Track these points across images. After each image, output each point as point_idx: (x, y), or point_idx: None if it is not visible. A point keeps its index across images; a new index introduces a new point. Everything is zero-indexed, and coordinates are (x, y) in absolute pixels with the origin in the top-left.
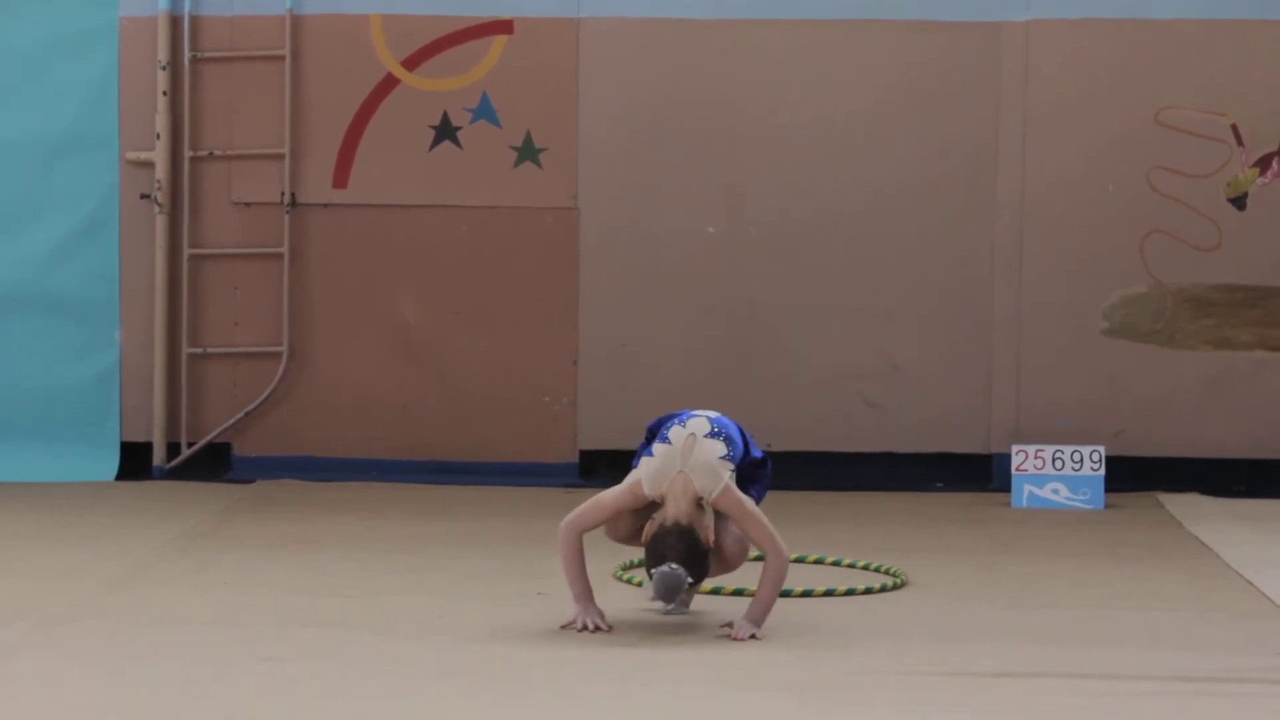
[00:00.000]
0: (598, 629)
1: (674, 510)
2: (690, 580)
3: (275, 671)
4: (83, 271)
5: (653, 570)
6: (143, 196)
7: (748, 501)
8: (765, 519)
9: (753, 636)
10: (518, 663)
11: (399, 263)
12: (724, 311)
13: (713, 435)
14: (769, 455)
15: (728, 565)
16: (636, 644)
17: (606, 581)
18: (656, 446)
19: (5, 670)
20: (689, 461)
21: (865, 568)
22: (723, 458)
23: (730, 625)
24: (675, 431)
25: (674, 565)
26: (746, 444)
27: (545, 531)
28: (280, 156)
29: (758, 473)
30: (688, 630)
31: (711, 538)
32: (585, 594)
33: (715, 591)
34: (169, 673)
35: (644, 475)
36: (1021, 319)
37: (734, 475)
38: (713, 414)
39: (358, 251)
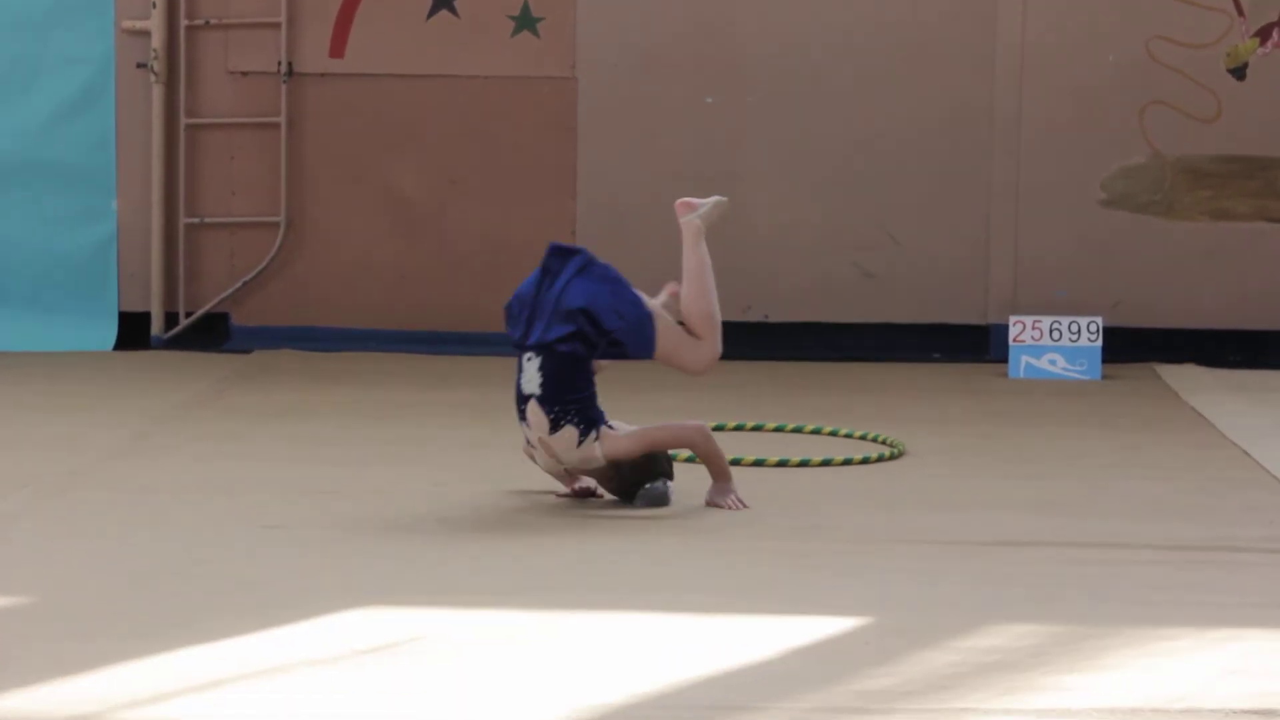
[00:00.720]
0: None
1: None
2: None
3: (274, 539)
4: (79, 141)
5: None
6: (139, 65)
7: (627, 434)
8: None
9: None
10: (515, 527)
11: (396, 133)
12: (721, 181)
13: (554, 430)
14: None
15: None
16: (644, 512)
17: None
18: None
19: (5, 539)
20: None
21: (862, 438)
22: (580, 439)
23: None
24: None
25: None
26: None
27: None
28: (277, 25)
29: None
30: (686, 503)
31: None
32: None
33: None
34: (168, 541)
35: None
36: (1020, 190)
37: (597, 431)
38: (537, 383)
39: (355, 121)
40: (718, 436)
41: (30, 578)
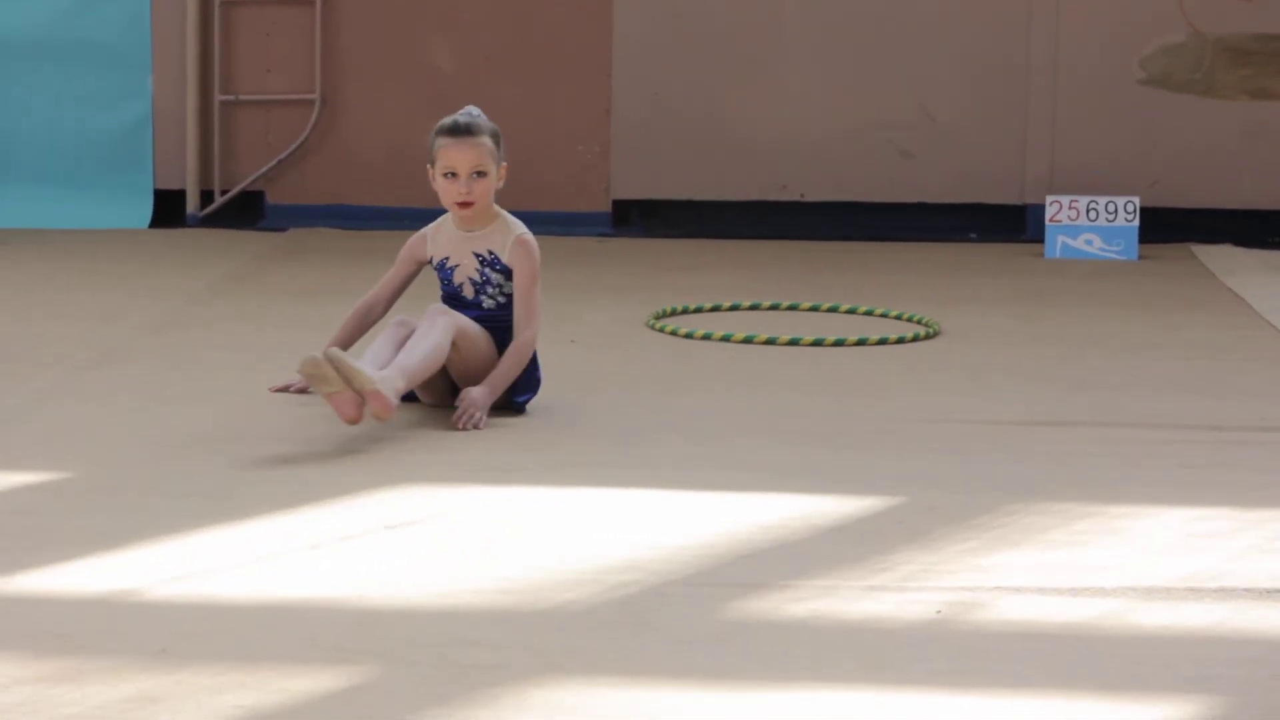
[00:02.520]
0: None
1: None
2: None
3: (309, 416)
4: (114, 18)
5: None
6: None
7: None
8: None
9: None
10: (551, 405)
11: (431, 9)
12: (758, 61)
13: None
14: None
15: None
16: (671, 392)
17: (640, 331)
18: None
19: (41, 415)
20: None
21: (898, 317)
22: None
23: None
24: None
25: None
26: None
27: (578, 280)
28: None
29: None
30: (719, 386)
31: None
32: None
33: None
34: (203, 414)
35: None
36: (1058, 69)
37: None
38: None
39: None
40: (752, 316)
41: (66, 453)
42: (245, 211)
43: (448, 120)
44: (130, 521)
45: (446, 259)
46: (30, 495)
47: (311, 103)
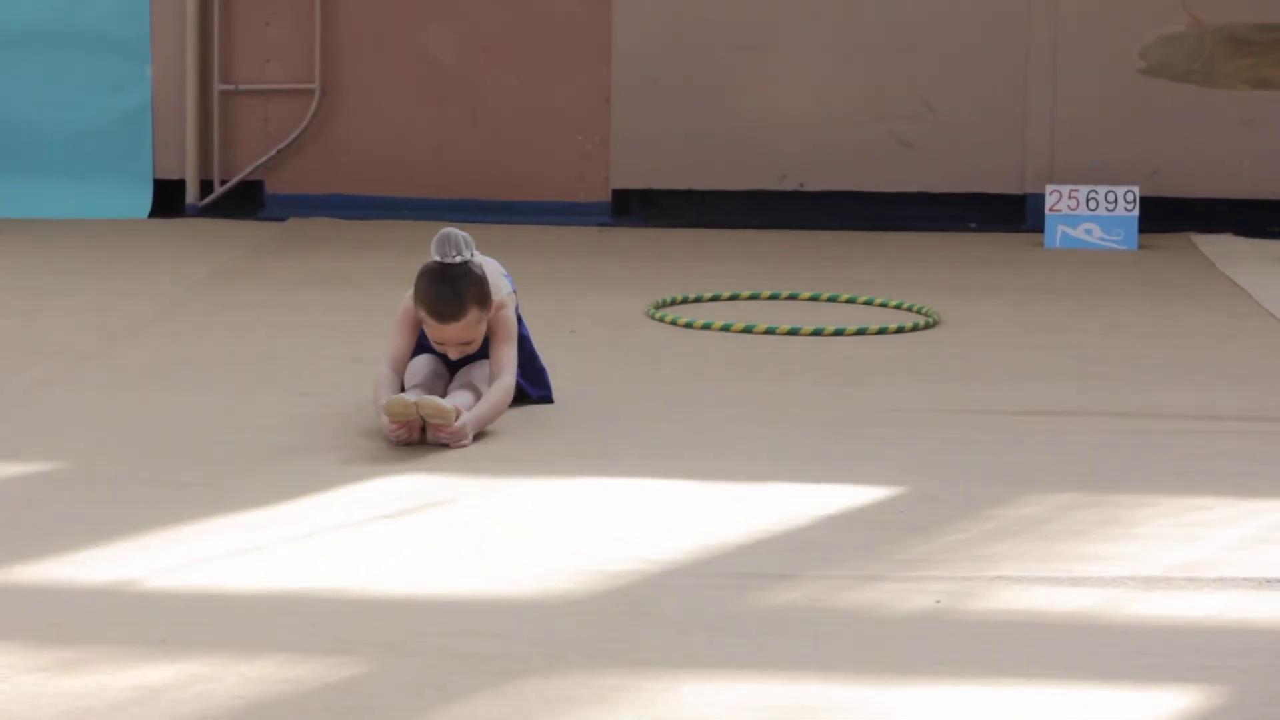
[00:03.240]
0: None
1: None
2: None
3: (308, 406)
4: (113, 7)
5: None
6: None
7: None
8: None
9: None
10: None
11: None
12: (757, 49)
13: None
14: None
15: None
16: (679, 381)
17: (640, 320)
18: None
19: (41, 405)
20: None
21: (897, 307)
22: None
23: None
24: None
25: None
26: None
27: (578, 270)
28: None
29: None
30: (722, 375)
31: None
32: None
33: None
34: (203, 407)
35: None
36: (1057, 58)
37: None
38: None
39: None
40: (752, 306)
41: (65, 442)
42: (245, 201)
43: (429, 294)
44: (130, 511)
45: (441, 342)
46: (29, 485)
47: (311, 92)
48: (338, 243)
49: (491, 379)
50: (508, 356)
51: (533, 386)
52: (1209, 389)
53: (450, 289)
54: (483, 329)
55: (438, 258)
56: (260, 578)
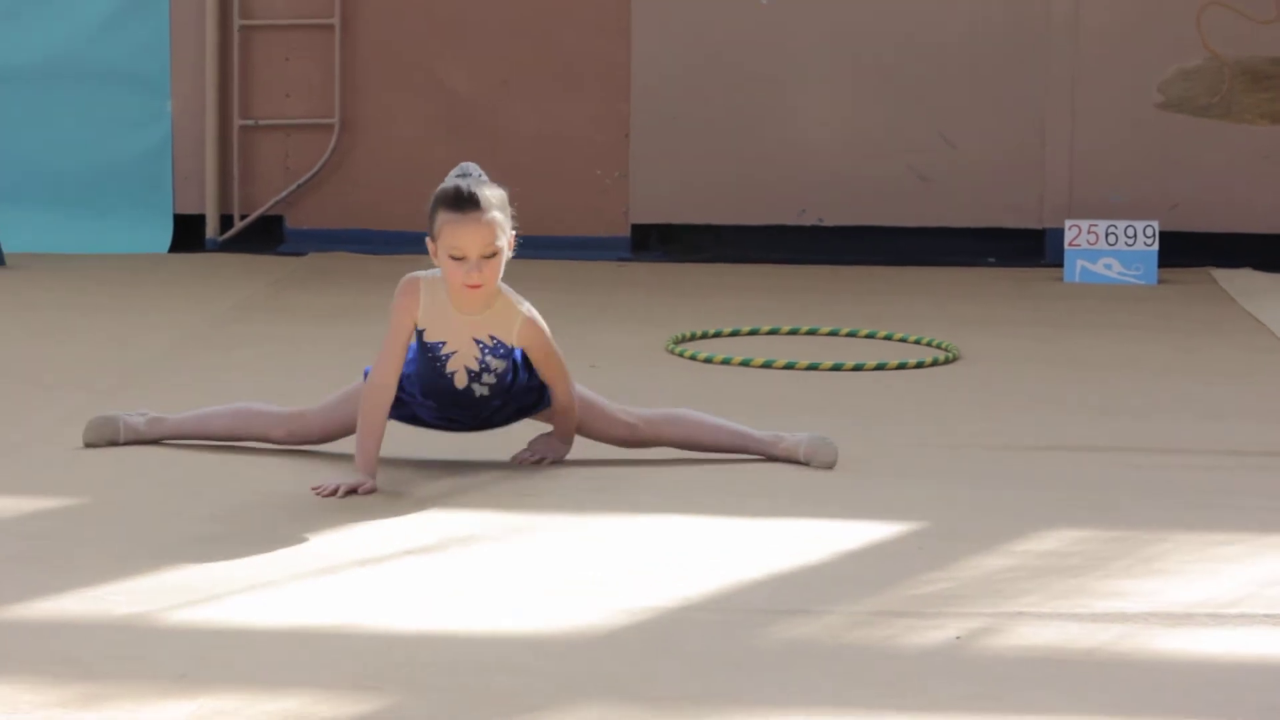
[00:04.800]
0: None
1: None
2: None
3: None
4: (133, 42)
5: None
6: None
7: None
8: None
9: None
10: None
11: (449, 33)
12: (776, 83)
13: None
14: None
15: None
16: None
17: (659, 355)
18: None
19: (61, 440)
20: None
21: (916, 342)
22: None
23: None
24: None
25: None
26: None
27: (597, 305)
28: None
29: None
30: (740, 411)
31: None
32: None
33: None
34: (222, 441)
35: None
36: (1075, 93)
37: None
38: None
39: (408, 22)
40: (771, 341)
41: (86, 479)
42: (264, 236)
43: (449, 187)
44: (149, 546)
45: (442, 343)
46: (50, 519)
47: (331, 127)
48: (357, 277)
49: (555, 391)
50: (560, 362)
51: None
52: (1230, 424)
53: (469, 179)
54: (505, 246)
55: (455, 177)
56: (280, 613)
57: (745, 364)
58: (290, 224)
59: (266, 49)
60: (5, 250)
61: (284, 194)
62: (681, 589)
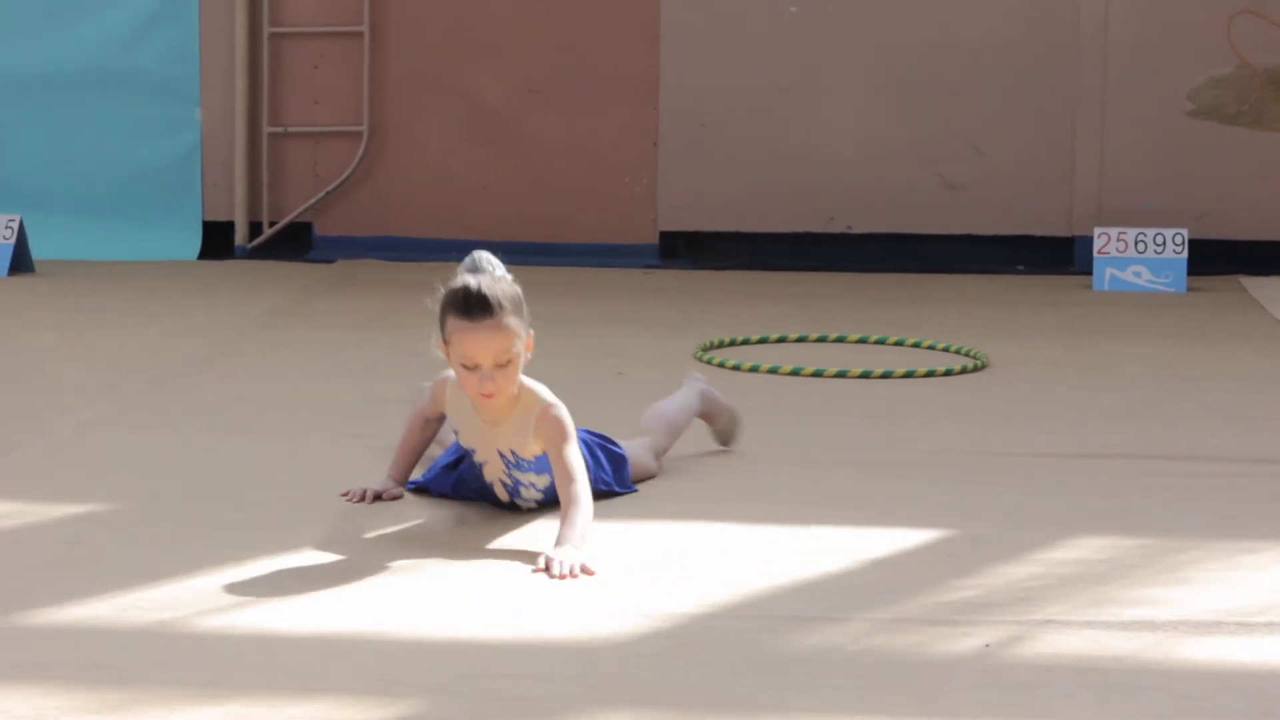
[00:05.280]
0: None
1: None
2: None
3: (354, 448)
4: (163, 50)
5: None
6: None
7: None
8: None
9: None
10: None
11: (478, 41)
12: (804, 91)
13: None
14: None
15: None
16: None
17: (688, 363)
18: None
19: (90, 446)
20: None
21: (945, 349)
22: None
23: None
24: None
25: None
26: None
27: (625, 312)
28: None
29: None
30: (768, 419)
31: None
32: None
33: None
34: (250, 448)
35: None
36: (1105, 101)
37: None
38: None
39: (437, 30)
40: (800, 348)
41: (115, 484)
42: (293, 243)
43: (458, 289)
44: (178, 553)
45: (474, 450)
46: (79, 526)
47: (359, 134)
48: (386, 284)
49: (561, 490)
50: (572, 458)
51: (618, 482)
52: (1259, 432)
53: (479, 277)
54: (520, 352)
55: (468, 274)
56: (308, 619)
57: (773, 371)
58: (319, 231)
59: (296, 57)
60: (35, 257)
61: (313, 201)
62: (707, 595)
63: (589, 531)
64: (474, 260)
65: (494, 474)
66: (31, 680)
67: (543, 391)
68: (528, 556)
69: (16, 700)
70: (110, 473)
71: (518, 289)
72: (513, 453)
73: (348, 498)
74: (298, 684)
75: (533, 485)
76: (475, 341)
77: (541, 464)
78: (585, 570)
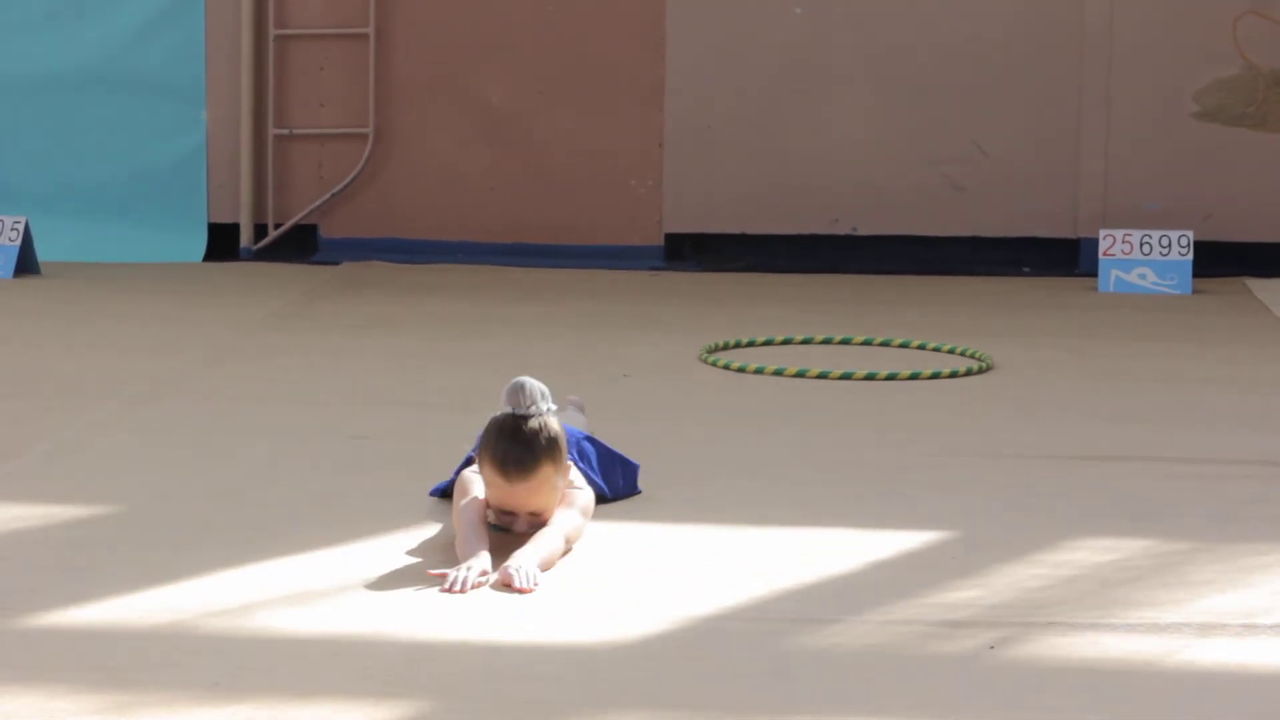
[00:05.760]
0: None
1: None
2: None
3: (360, 448)
4: (168, 52)
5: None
6: None
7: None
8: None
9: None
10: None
11: (484, 43)
12: (809, 93)
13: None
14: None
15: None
16: (723, 426)
17: (693, 364)
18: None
19: (93, 448)
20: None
21: (950, 351)
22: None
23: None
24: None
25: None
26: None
27: (630, 314)
28: None
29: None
30: (771, 421)
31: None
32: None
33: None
34: (255, 450)
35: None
36: (1110, 102)
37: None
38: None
39: (443, 32)
40: (805, 350)
41: (119, 487)
42: (299, 245)
43: (498, 444)
44: (183, 555)
45: (508, 509)
46: (84, 528)
47: (365, 136)
48: (391, 287)
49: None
50: (569, 517)
51: (631, 488)
52: (1264, 434)
53: (521, 441)
54: (557, 496)
55: (509, 409)
56: (312, 621)
57: (778, 373)
58: (324, 233)
59: (301, 58)
60: (40, 259)
61: (318, 203)
62: (713, 598)
63: (555, 560)
64: (516, 395)
65: (524, 525)
66: (36, 682)
67: (575, 478)
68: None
69: (22, 702)
70: (115, 475)
71: (557, 429)
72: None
73: (447, 588)
74: (303, 686)
75: None
76: (511, 498)
77: None
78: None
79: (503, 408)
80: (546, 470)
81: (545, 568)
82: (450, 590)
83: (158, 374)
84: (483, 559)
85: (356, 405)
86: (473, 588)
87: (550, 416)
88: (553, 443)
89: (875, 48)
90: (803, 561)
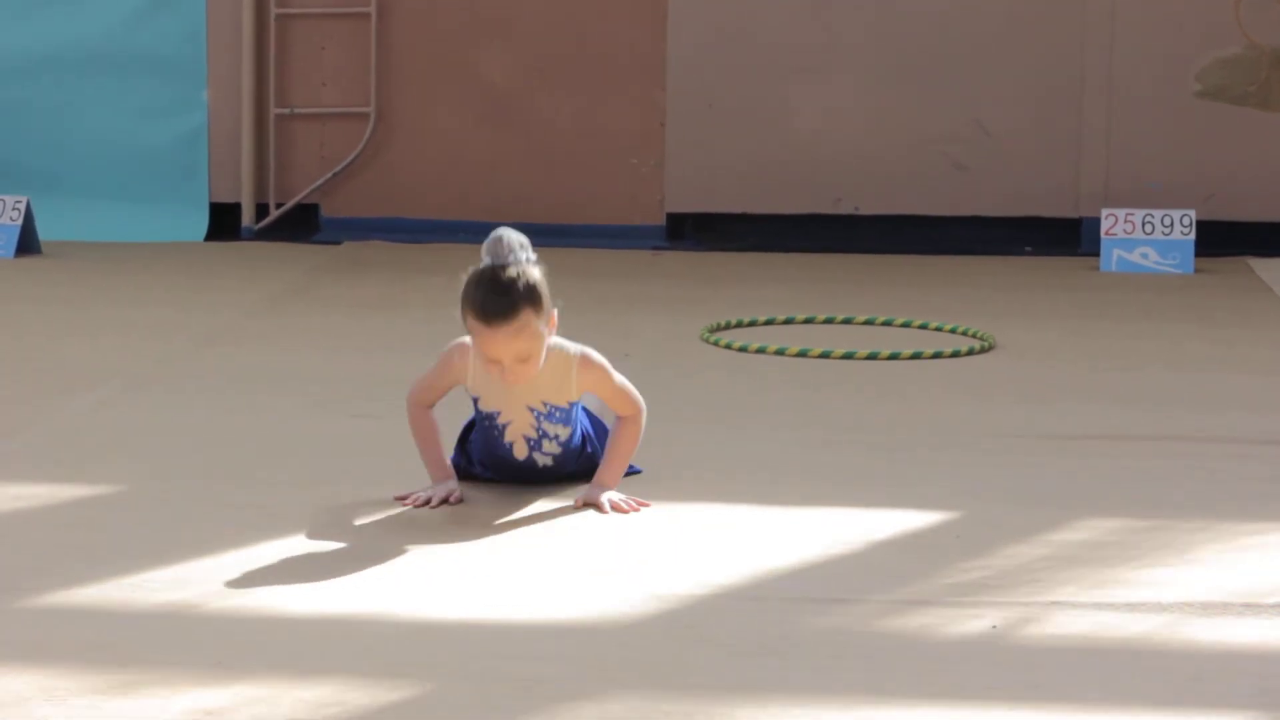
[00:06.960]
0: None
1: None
2: None
3: (362, 429)
4: (170, 30)
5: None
6: None
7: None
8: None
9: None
10: None
11: (486, 22)
12: (811, 72)
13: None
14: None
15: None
16: (725, 406)
17: (694, 344)
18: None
19: (97, 428)
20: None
21: (953, 331)
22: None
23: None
24: None
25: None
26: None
27: (632, 293)
28: None
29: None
30: (779, 400)
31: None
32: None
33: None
34: (257, 430)
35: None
36: (1112, 82)
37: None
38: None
39: (445, 11)
40: (807, 330)
41: (123, 466)
42: (300, 225)
43: (475, 286)
44: (185, 534)
45: (497, 413)
46: (87, 506)
47: (366, 116)
48: (392, 266)
49: (616, 424)
50: (622, 385)
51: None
52: (1266, 413)
53: (500, 288)
54: (541, 343)
55: (488, 260)
56: (315, 601)
57: (780, 353)
58: (325, 213)
59: (302, 38)
60: (42, 238)
61: (319, 183)
62: (715, 576)
63: (626, 464)
64: (495, 245)
65: (518, 431)
66: (39, 661)
67: (568, 345)
68: (534, 537)
69: (24, 680)
70: (117, 454)
71: (537, 274)
72: (544, 403)
73: (408, 502)
74: (305, 665)
75: (556, 438)
76: (493, 344)
77: (568, 415)
78: (640, 503)
79: (482, 260)
80: (527, 314)
81: (620, 473)
82: (416, 505)
83: (159, 353)
84: (449, 485)
85: (357, 385)
86: (430, 506)
87: (529, 265)
88: (531, 289)
89: (878, 27)
90: (804, 541)
